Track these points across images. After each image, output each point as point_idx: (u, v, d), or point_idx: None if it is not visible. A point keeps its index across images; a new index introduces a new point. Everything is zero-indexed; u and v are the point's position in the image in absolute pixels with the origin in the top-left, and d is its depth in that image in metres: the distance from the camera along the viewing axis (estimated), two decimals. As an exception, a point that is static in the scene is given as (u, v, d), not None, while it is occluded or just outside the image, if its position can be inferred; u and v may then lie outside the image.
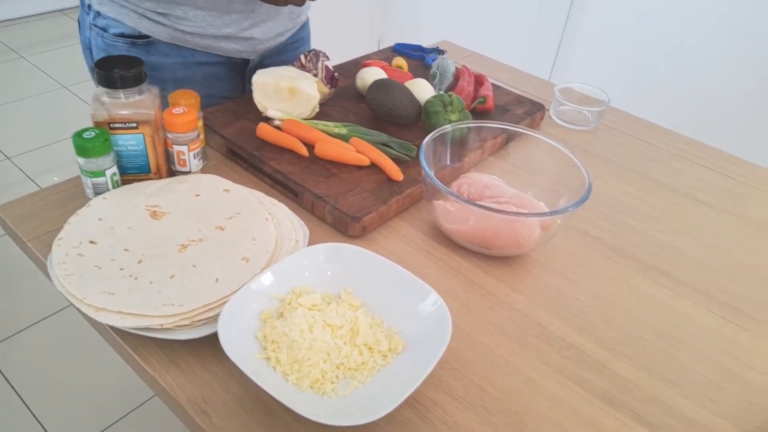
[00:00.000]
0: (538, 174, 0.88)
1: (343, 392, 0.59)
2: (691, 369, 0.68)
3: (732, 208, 0.95)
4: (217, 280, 0.66)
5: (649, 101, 1.93)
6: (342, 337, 0.62)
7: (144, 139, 0.79)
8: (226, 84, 1.09)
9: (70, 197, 0.83)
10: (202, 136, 0.85)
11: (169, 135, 0.81)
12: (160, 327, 0.61)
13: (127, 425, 1.52)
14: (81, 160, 0.76)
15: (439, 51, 1.28)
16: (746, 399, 0.65)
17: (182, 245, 0.71)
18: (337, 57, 1.15)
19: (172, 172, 0.85)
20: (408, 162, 0.90)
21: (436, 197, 0.79)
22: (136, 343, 0.64)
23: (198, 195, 0.79)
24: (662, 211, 0.93)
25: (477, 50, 1.41)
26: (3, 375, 1.60)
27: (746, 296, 0.78)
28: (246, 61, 1.09)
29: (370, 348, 0.62)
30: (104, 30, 0.97)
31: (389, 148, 0.91)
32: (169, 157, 0.83)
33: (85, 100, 2.81)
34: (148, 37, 0.97)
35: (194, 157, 0.83)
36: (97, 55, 1.00)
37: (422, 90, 1.02)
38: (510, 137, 0.96)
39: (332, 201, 0.81)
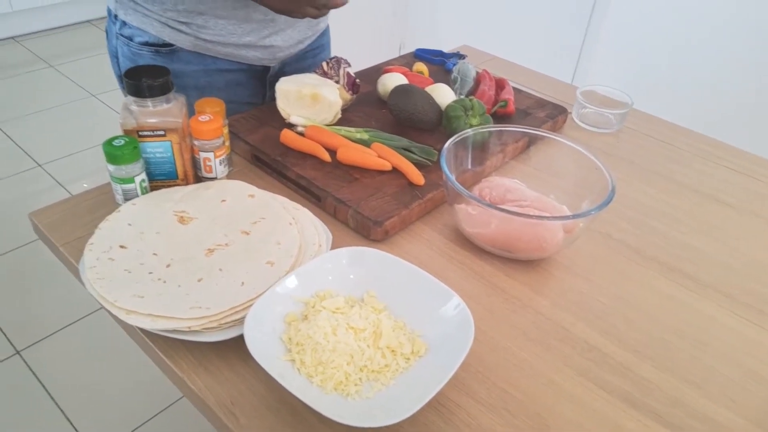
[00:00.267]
0: (561, 177, 0.88)
1: (367, 394, 0.60)
2: (714, 370, 0.67)
3: (756, 209, 0.94)
4: (243, 283, 0.67)
5: (672, 103, 1.92)
6: (365, 340, 0.63)
7: (171, 146, 0.81)
8: (247, 90, 1.11)
9: (100, 203, 0.85)
10: (227, 143, 0.87)
11: (196, 142, 0.83)
12: (188, 329, 0.63)
13: (156, 426, 1.54)
14: (111, 167, 0.78)
15: (459, 56, 1.29)
16: (772, 402, 0.64)
17: (209, 249, 0.72)
18: (358, 63, 1.16)
19: (198, 179, 0.87)
20: (429, 166, 0.91)
21: (458, 201, 0.80)
22: (165, 346, 0.66)
23: (224, 200, 0.80)
24: (685, 213, 0.92)
25: (498, 54, 1.41)
26: (36, 376, 1.64)
27: (772, 299, 0.78)
28: (266, 68, 1.11)
29: (393, 351, 0.63)
30: (130, 39, 1.00)
31: (411, 153, 0.92)
32: (195, 163, 0.85)
33: (113, 108, 2.86)
34: (171, 45, 0.99)
35: (220, 163, 0.85)
36: (124, 63, 1.03)
37: (443, 95, 1.03)
38: (531, 141, 0.96)
39: (354, 205, 0.82)
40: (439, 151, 0.83)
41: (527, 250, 0.78)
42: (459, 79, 1.12)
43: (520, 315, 0.73)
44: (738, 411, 0.63)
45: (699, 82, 1.96)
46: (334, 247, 0.76)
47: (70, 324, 1.80)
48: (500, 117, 1.07)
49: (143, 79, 0.77)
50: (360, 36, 2.19)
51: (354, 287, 0.70)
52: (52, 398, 1.59)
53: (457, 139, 0.85)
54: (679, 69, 2.00)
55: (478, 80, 1.13)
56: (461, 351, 0.60)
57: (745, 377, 0.67)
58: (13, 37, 3.45)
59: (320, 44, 1.19)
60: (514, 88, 1.14)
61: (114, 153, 0.76)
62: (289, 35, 1.07)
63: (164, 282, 0.67)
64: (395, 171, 0.89)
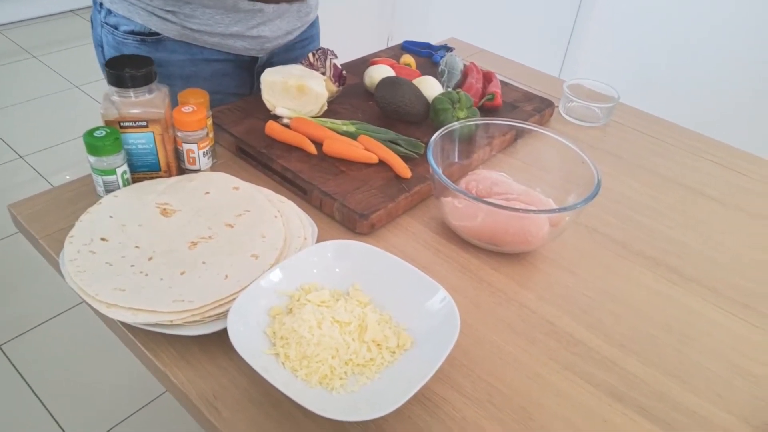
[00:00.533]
0: (547, 171, 0.88)
1: (352, 388, 0.59)
2: (700, 365, 0.67)
3: (741, 204, 0.94)
4: (226, 276, 0.66)
5: (658, 97, 1.92)
6: (350, 334, 0.63)
7: (154, 137, 0.80)
8: (234, 81, 1.10)
9: (82, 195, 0.84)
10: (211, 135, 0.86)
11: (179, 133, 0.82)
12: (170, 323, 0.62)
13: (139, 421, 1.53)
14: (92, 158, 0.76)
15: (447, 48, 1.28)
16: (755, 395, 0.65)
17: (192, 242, 0.71)
18: (345, 55, 1.15)
19: (181, 170, 0.86)
20: (416, 159, 0.90)
21: (445, 194, 0.79)
22: (146, 339, 0.65)
23: (207, 193, 0.79)
24: (671, 207, 0.92)
25: (485, 47, 1.40)
26: (17, 371, 1.62)
27: (755, 292, 0.78)
28: (254, 59, 1.09)
29: (378, 344, 0.63)
30: (115, 27, 0.98)
31: (397, 146, 0.91)
32: (178, 155, 0.84)
33: (96, 99, 2.83)
34: (157, 34, 0.98)
35: (204, 155, 0.84)
36: (108, 52, 1.01)
37: (430, 87, 1.02)
38: (518, 134, 0.96)
39: (340, 198, 0.82)
40: (426, 143, 0.83)
41: (513, 243, 0.78)
42: (446, 71, 1.12)
43: (505, 308, 0.73)
44: (723, 406, 0.63)
45: (689, 76, 1.97)
46: (319, 240, 0.76)
47: (52, 318, 1.78)
48: (487, 110, 1.07)
49: (125, 69, 0.76)
50: (347, 27, 2.18)
51: (339, 280, 0.69)
52: (34, 393, 1.57)
53: (444, 132, 0.85)
54: (668, 63, 2.01)
55: (465, 73, 1.13)
56: (447, 344, 0.60)
57: (730, 372, 0.67)
58: (-6, 27, 3.40)
59: (309, 35, 1.18)
60: (502, 82, 1.14)
61: (95, 144, 0.75)
62: (277, 26, 1.05)
63: (146, 275, 0.66)
64: (382, 164, 0.89)
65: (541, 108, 1.09)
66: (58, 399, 1.56)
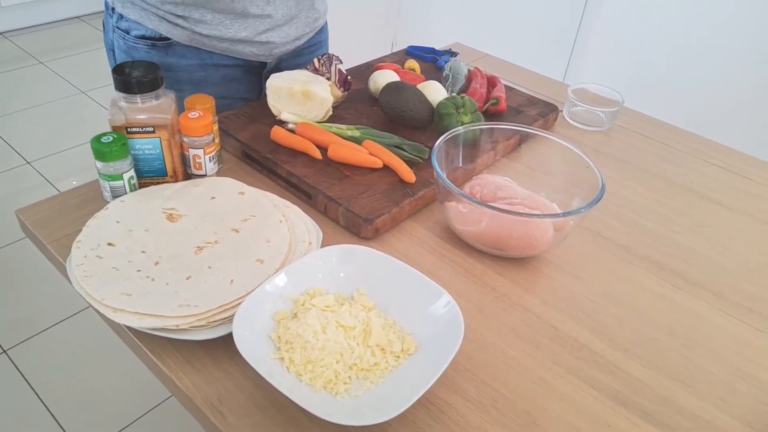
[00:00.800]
0: (551, 175, 0.88)
1: (356, 392, 0.59)
2: (704, 369, 0.67)
3: (748, 209, 0.94)
4: (232, 281, 0.67)
5: (663, 101, 1.92)
6: (355, 338, 0.63)
7: (161, 143, 0.80)
8: (243, 86, 1.11)
9: (89, 200, 0.84)
10: (217, 140, 0.86)
11: (185, 139, 0.82)
12: (176, 327, 0.62)
13: (144, 426, 1.53)
14: (99, 164, 0.77)
15: (451, 53, 1.28)
16: (759, 399, 0.64)
17: (198, 247, 0.72)
18: (350, 60, 1.15)
19: (188, 176, 0.86)
20: (420, 164, 0.91)
21: (449, 199, 0.80)
22: (152, 344, 0.65)
23: (213, 198, 0.80)
24: (676, 212, 0.92)
25: (490, 52, 1.41)
26: (23, 375, 1.63)
27: (760, 297, 0.78)
28: (263, 64, 1.10)
29: (382, 349, 0.63)
30: (126, 32, 1.00)
31: (402, 151, 0.91)
32: (185, 160, 0.85)
33: (103, 104, 2.84)
34: (167, 39, 0.99)
35: (209, 160, 0.84)
36: (120, 56, 1.03)
37: (435, 92, 1.02)
38: (523, 138, 0.96)
39: (345, 203, 0.82)
40: (431, 148, 0.83)
41: (518, 247, 0.78)
42: (450, 76, 1.12)
43: (509, 313, 0.73)
44: (727, 410, 0.63)
45: (693, 80, 1.97)
46: (324, 244, 0.76)
47: (57, 323, 1.79)
48: (491, 115, 1.07)
49: (132, 75, 0.77)
50: (352, 33, 2.18)
51: (344, 285, 0.70)
52: (39, 398, 1.57)
53: (449, 137, 0.85)
54: (672, 67, 2.01)
55: (469, 78, 1.13)
56: (451, 349, 0.60)
57: (734, 376, 0.67)
58: (1, 33, 3.43)
59: (318, 41, 1.18)
60: (506, 86, 1.14)
61: (102, 149, 0.75)
62: (285, 32, 1.06)
63: (152, 280, 0.67)
64: (386, 168, 0.89)
65: (545, 112, 1.10)
66: (63, 404, 1.56)
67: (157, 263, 0.69)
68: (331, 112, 0.99)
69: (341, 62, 1.04)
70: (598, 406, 0.62)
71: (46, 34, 3.48)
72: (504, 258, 0.80)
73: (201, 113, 0.82)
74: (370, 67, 1.18)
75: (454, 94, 1.04)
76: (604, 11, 2.11)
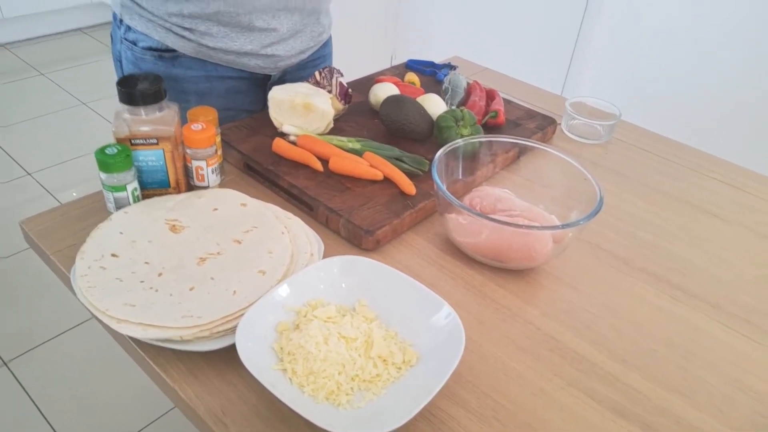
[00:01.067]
0: (550, 187, 0.89)
1: (358, 404, 0.60)
2: (702, 381, 0.68)
3: (745, 222, 0.95)
4: (234, 292, 0.67)
5: (661, 115, 1.94)
6: (357, 349, 0.63)
7: (164, 154, 0.81)
8: (248, 97, 1.12)
9: (91, 212, 0.85)
10: (219, 152, 0.87)
11: (188, 150, 0.83)
12: (179, 338, 0.63)
13: (145, 437, 1.53)
14: (103, 175, 0.78)
15: (450, 67, 1.30)
16: (756, 411, 0.65)
17: (201, 258, 0.72)
18: (350, 73, 1.17)
19: (190, 187, 0.87)
20: (421, 176, 0.92)
21: (449, 211, 0.80)
22: (156, 355, 0.65)
23: (216, 209, 0.81)
24: (674, 225, 0.93)
25: (489, 66, 1.42)
26: (23, 388, 1.63)
27: (758, 309, 0.78)
28: (267, 76, 1.11)
29: (384, 360, 0.63)
30: (134, 43, 1.01)
31: (402, 163, 0.92)
32: (188, 172, 0.85)
33: (103, 116, 2.86)
34: (174, 51, 1.00)
35: (212, 172, 0.85)
36: (127, 67, 1.04)
37: (434, 105, 1.04)
38: (521, 151, 0.97)
39: (346, 215, 0.83)
40: (431, 160, 0.84)
41: (517, 259, 0.79)
42: (450, 89, 1.13)
43: (510, 324, 0.73)
44: (725, 421, 0.64)
45: (690, 94, 1.98)
46: (325, 256, 0.77)
47: (58, 335, 1.79)
48: (490, 127, 1.08)
49: (136, 88, 0.78)
50: (352, 47, 2.20)
51: (346, 296, 0.70)
52: (39, 411, 1.57)
53: (448, 149, 0.86)
54: (669, 80, 2.02)
55: (468, 91, 1.14)
56: (452, 360, 0.60)
57: (732, 387, 0.67)
58: (3, 45, 3.45)
59: (322, 54, 1.20)
60: (505, 99, 1.15)
61: (106, 161, 0.76)
62: (291, 45, 1.07)
63: (156, 291, 0.67)
64: (387, 180, 0.90)
65: (543, 125, 1.11)
66: (64, 418, 1.56)
67: (160, 274, 0.70)
68: (332, 125, 0.99)
69: (342, 75, 1.05)
70: (597, 418, 0.63)
71: (48, 46, 3.50)
72: (504, 270, 0.81)
73: (204, 125, 0.83)
74: (370, 80, 1.19)
75: (453, 107, 1.05)
76: (602, 25, 2.13)
